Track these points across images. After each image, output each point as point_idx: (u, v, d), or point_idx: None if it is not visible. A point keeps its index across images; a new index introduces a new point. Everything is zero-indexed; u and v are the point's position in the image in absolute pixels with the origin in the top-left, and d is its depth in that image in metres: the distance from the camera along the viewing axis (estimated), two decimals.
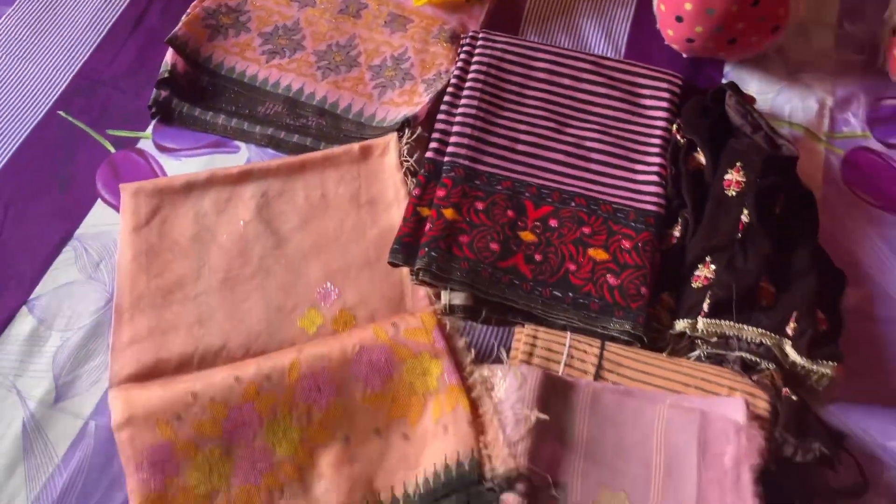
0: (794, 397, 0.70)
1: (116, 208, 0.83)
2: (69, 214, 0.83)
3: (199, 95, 0.90)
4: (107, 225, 0.82)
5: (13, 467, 0.69)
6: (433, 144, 0.83)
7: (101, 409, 0.72)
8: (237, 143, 0.88)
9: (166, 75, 0.89)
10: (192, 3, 0.95)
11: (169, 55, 0.90)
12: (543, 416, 0.65)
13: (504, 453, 0.64)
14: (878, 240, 0.83)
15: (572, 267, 0.77)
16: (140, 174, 0.85)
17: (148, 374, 0.72)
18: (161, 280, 0.77)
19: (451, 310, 0.75)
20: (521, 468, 0.63)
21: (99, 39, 0.96)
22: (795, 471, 0.67)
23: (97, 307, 0.77)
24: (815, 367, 0.70)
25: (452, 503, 0.64)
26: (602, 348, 0.73)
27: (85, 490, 0.68)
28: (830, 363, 0.69)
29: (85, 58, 0.94)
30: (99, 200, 0.84)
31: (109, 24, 0.97)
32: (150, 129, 0.89)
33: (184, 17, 0.93)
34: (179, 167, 0.86)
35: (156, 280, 0.77)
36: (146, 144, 0.88)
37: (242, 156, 0.87)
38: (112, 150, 0.87)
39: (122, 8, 0.99)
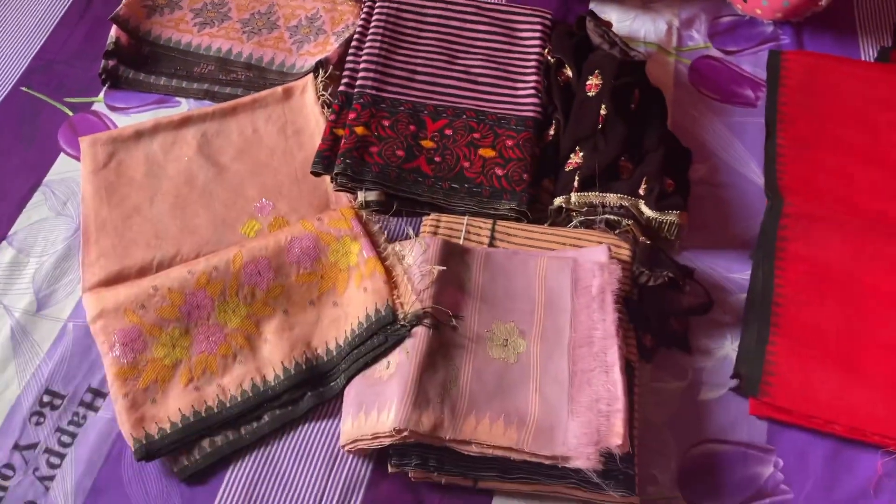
0: (648, 242, 0.86)
1: (77, 159, 0.96)
2: (37, 167, 0.96)
3: (142, 62, 1.05)
4: (70, 172, 0.96)
5: (5, 364, 0.81)
6: (344, 79, 0.98)
7: (77, 313, 0.85)
8: (178, 98, 1.03)
9: (112, 47, 1.04)
10: None
11: (113, 30, 1.05)
12: (442, 268, 0.80)
13: (412, 299, 0.79)
14: (720, 125, 0.99)
15: (466, 164, 0.92)
16: (96, 130, 0.99)
17: (114, 280, 0.85)
18: (120, 208, 0.91)
19: (366, 205, 0.90)
20: (427, 308, 0.78)
21: (52, 27, 1.10)
22: (652, 296, 0.82)
23: (67, 235, 0.90)
24: (663, 217, 0.85)
25: (374, 343, 0.78)
26: (494, 224, 0.88)
27: (68, 374, 0.81)
28: (674, 212, 0.85)
29: (41, 42, 1.09)
30: (62, 154, 0.98)
31: (60, 14, 1.12)
32: (101, 94, 1.03)
33: (123, 1, 1.07)
34: (129, 122, 1.00)
35: (116, 209, 0.91)
36: (99, 107, 1.02)
37: (183, 108, 1.02)
38: (70, 113, 1.01)
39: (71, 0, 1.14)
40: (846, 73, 1.00)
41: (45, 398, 0.79)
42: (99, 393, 0.80)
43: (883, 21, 1.08)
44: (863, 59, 1.05)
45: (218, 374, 0.79)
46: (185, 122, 0.98)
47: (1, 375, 0.81)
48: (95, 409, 0.79)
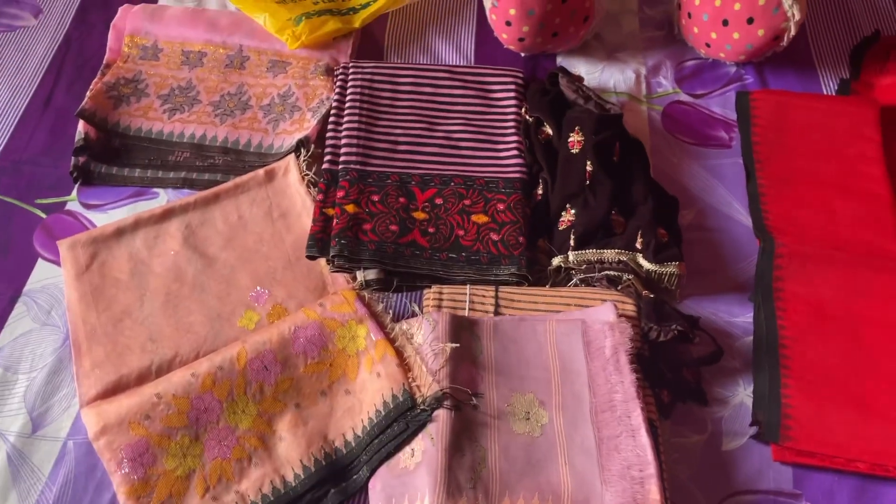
0: (652, 296, 0.86)
1: (57, 263, 0.92)
2: (14, 276, 0.92)
3: (114, 155, 1.02)
4: (50, 278, 0.92)
5: (5, 493, 0.77)
6: (327, 157, 0.97)
7: (76, 429, 0.81)
8: (155, 189, 1.00)
9: (81, 143, 1.01)
10: (94, 81, 1.07)
11: (81, 125, 1.02)
12: (455, 345, 0.79)
13: (429, 381, 0.78)
14: (700, 169, 1.02)
15: (461, 232, 0.92)
16: (73, 231, 0.95)
17: (112, 391, 0.82)
18: (109, 312, 0.87)
19: (367, 285, 0.89)
20: (446, 388, 0.77)
21: (14, 124, 1.06)
22: (662, 350, 0.83)
23: (55, 347, 0.87)
24: (662, 269, 0.86)
25: (395, 431, 0.77)
26: (497, 291, 0.88)
27: (75, 497, 0.76)
28: (674, 263, 0.86)
29: (4, 142, 1.05)
30: (39, 260, 0.94)
31: (22, 109, 1.08)
32: (74, 192, 1.00)
33: (88, 93, 1.04)
34: (106, 219, 0.97)
35: (104, 313, 0.87)
36: (73, 206, 0.99)
37: (162, 200, 0.99)
38: (43, 215, 0.98)
39: (32, 92, 1.10)
40: (812, 108, 1.03)
41: None
42: None
43: (838, 54, 1.13)
44: (824, 92, 1.09)
45: (235, 480, 0.76)
46: (167, 214, 0.95)
47: None
48: None
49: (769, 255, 0.89)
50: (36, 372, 0.85)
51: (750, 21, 1.01)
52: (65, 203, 0.99)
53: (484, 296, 0.87)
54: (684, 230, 0.94)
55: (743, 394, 0.83)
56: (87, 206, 0.99)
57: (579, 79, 1.05)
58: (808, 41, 1.14)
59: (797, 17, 0.99)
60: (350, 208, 0.92)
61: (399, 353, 0.81)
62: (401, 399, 0.78)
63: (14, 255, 0.94)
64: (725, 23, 1.03)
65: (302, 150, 0.99)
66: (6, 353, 0.86)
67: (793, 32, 1.01)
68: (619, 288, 0.88)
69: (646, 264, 0.87)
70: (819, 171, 0.98)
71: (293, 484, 0.76)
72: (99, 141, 1.02)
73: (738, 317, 0.89)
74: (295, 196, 0.97)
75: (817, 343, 0.83)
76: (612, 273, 0.88)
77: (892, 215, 0.93)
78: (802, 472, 0.78)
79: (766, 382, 0.81)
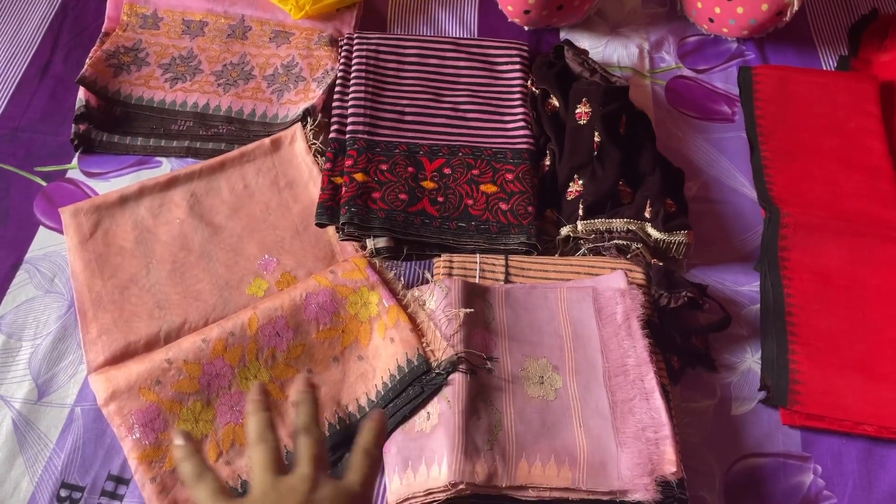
0: (661, 264, 0.87)
1: (59, 231, 0.91)
2: (15, 244, 0.90)
3: (116, 123, 1.00)
4: (53, 246, 0.90)
5: (12, 460, 0.75)
6: (334, 126, 0.97)
7: (83, 396, 0.79)
8: (158, 158, 0.99)
9: (82, 110, 0.99)
10: (93, 49, 1.05)
11: (82, 92, 1.00)
12: (469, 310, 0.79)
13: (444, 345, 0.78)
14: (703, 143, 1.03)
15: (470, 202, 0.92)
16: (74, 199, 0.93)
17: (121, 357, 0.80)
18: (115, 280, 0.86)
19: (377, 253, 0.89)
20: (460, 352, 0.77)
21: (11, 91, 1.04)
22: (672, 316, 0.84)
23: (60, 314, 0.85)
24: (671, 238, 0.87)
25: (410, 396, 0.77)
26: (507, 259, 0.88)
27: (84, 463, 0.75)
28: (682, 232, 0.87)
29: (1, 109, 1.02)
30: (41, 227, 0.92)
31: (19, 76, 1.06)
32: (75, 160, 0.98)
33: (87, 61, 1.02)
34: (109, 187, 0.95)
35: (110, 281, 0.86)
36: (75, 174, 0.97)
37: (165, 168, 0.98)
38: (44, 183, 0.96)
39: (28, 60, 1.07)
40: (813, 83, 1.05)
41: (63, 493, 0.74)
42: (121, 480, 0.75)
43: (837, 31, 1.14)
44: (824, 68, 1.10)
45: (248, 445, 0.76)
46: (171, 182, 0.94)
47: (9, 473, 0.75)
48: (119, 498, 0.74)
49: (775, 224, 0.90)
50: (41, 339, 0.83)
51: None
52: (66, 171, 0.97)
53: (494, 264, 0.88)
54: (690, 202, 0.95)
55: (751, 360, 0.84)
56: (89, 175, 0.97)
57: (584, 52, 1.05)
58: (807, 19, 1.16)
59: None
60: (359, 177, 0.91)
61: (412, 319, 0.81)
62: (416, 363, 0.77)
63: (14, 222, 0.92)
64: None
65: (308, 120, 0.98)
66: (9, 320, 0.84)
67: (796, 7, 1.02)
68: (628, 257, 0.88)
69: (655, 233, 0.88)
70: (821, 144, 0.99)
71: None
72: (100, 109, 1.01)
73: (744, 286, 0.90)
74: (301, 165, 0.96)
75: (823, 310, 0.85)
76: (620, 242, 0.89)
77: (893, 187, 0.95)
78: (811, 435, 0.79)
79: (773, 348, 0.83)
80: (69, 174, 0.97)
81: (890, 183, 0.95)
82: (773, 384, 0.80)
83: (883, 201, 0.94)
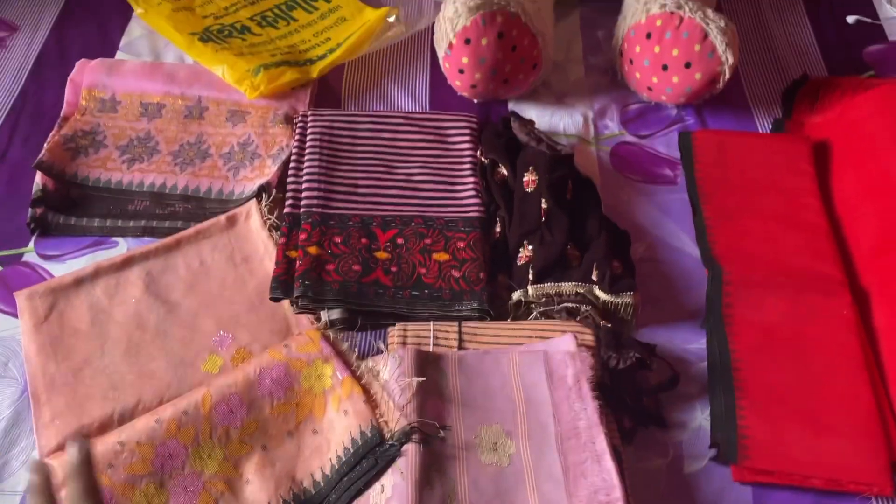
0: (609, 325, 0.89)
1: (14, 315, 0.91)
2: None
3: (72, 206, 1.02)
4: (7, 330, 0.91)
5: None
6: (288, 201, 0.99)
7: None
8: (114, 238, 1.00)
9: (39, 194, 1.00)
10: (51, 133, 1.08)
11: (38, 177, 1.01)
12: (422, 379, 0.80)
13: (397, 416, 0.78)
14: (648, 205, 1.06)
15: (423, 270, 0.94)
16: (30, 282, 0.94)
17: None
18: (69, 362, 0.86)
19: (331, 324, 0.90)
20: (413, 423, 0.77)
21: None
22: (622, 377, 0.85)
23: (13, 399, 0.85)
24: (618, 299, 0.90)
25: (364, 469, 0.77)
26: (460, 326, 0.90)
27: None
28: (628, 293, 0.90)
29: None
30: None
31: None
32: (31, 243, 0.99)
33: (45, 146, 1.05)
34: (65, 269, 0.96)
35: (64, 363, 0.86)
36: (31, 257, 0.98)
37: (122, 248, 0.99)
38: (0, 268, 0.96)
39: None
40: (750, 145, 1.09)
41: None
42: None
43: (771, 95, 1.20)
44: (760, 130, 1.16)
45: None
46: (127, 262, 0.95)
47: None
48: None
49: (717, 282, 0.93)
50: None
51: (687, 65, 1.07)
52: (22, 255, 0.98)
53: (447, 331, 0.89)
54: (637, 263, 0.98)
55: (701, 417, 0.86)
56: (45, 257, 0.98)
57: (531, 122, 1.09)
58: (742, 85, 1.22)
59: (731, 60, 1.06)
60: (313, 250, 0.93)
61: (366, 390, 0.82)
62: (369, 435, 0.78)
63: None
64: (665, 68, 1.09)
65: (263, 196, 1.01)
66: None
67: (727, 75, 1.08)
68: (577, 319, 0.91)
69: (602, 295, 0.90)
70: (760, 203, 1.03)
71: None
72: (57, 192, 1.02)
73: (692, 343, 0.92)
74: (257, 241, 0.98)
75: (768, 364, 0.87)
76: (570, 305, 0.91)
77: (830, 243, 0.98)
78: (762, 490, 0.80)
79: (721, 405, 0.84)
80: (25, 257, 0.98)
81: (826, 239, 0.99)
82: (723, 440, 0.82)
83: (821, 257, 0.97)
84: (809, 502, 0.79)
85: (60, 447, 0.79)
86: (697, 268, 0.99)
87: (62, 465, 0.75)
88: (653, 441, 0.84)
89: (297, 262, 0.92)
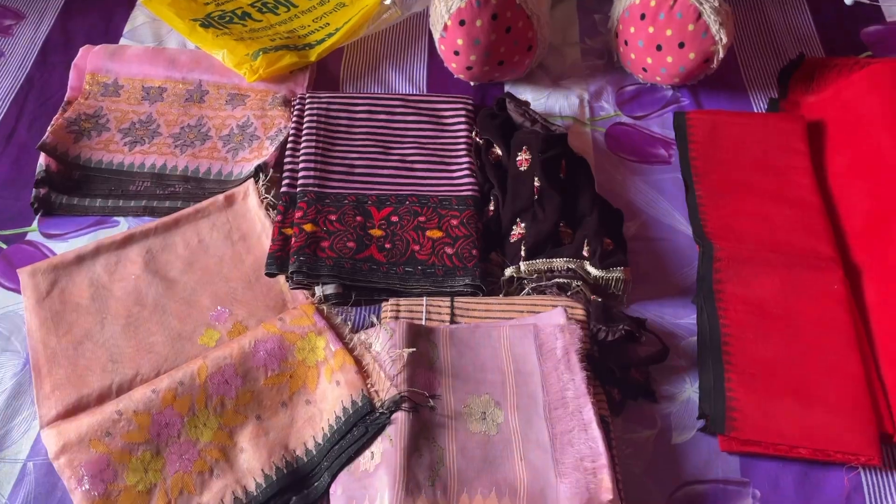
0: (599, 300, 0.90)
1: (17, 291, 0.93)
2: None
3: (74, 187, 1.04)
4: (10, 306, 0.93)
5: None
6: (285, 181, 1.01)
7: (36, 451, 0.81)
8: (116, 218, 1.02)
9: (42, 175, 1.03)
10: (55, 117, 1.10)
11: (42, 158, 1.04)
12: (412, 350, 0.82)
13: (387, 385, 0.80)
14: (642, 184, 1.07)
15: (416, 247, 0.96)
16: (33, 260, 0.96)
17: (73, 411, 0.82)
18: (70, 336, 0.88)
19: (325, 299, 0.92)
20: (403, 392, 0.79)
21: None
22: (611, 350, 0.86)
23: (15, 371, 0.87)
24: (608, 275, 0.91)
25: (355, 436, 0.78)
26: (452, 301, 0.91)
27: None
28: (619, 268, 0.91)
29: None
30: (0, 288, 0.95)
31: None
32: (35, 223, 1.01)
33: (49, 128, 1.07)
34: (67, 248, 0.98)
35: (65, 337, 0.88)
36: (34, 236, 1.00)
37: (123, 228, 1.01)
38: (4, 246, 0.99)
39: None
40: (744, 125, 1.10)
41: None
42: None
43: (766, 76, 1.20)
44: (755, 110, 1.16)
45: (196, 492, 0.77)
46: (127, 240, 0.97)
47: None
48: None
49: (708, 258, 0.94)
50: None
51: (681, 45, 1.08)
52: (25, 234, 1.00)
53: (440, 306, 0.90)
54: (629, 240, 0.99)
55: (690, 390, 0.86)
56: (48, 236, 1.00)
57: (526, 103, 1.10)
58: (738, 65, 1.22)
59: (724, 40, 1.06)
60: (308, 227, 0.95)
61: (358, 362, 0.83)
62: (360, 404, 0.79)
63: None
64: (659, 48, 1.10)
65: (261, 175, 1.02)
66: None
67: (721, 55, 1.08)
68: (568, 294, 0.92)
69: (593, 271, 0.91)
70: (753, 181, 1.04)
71: (255, 493, 0.77)
72: (60, 173, 1.05)
73: (682, 318, 0.93)
74: (254, 219, 1.00)
75: (757, 339, 0.88)
76: (561, 281, 0.92)
77: (823, 220, 0.99)
78: (749, 460, 0.81)
79: (710, 378, 0.85)
80: (29, 236, 1.00)
81: (819, 216, 0.99)
82: (711, 412, 0.82)
83: (813, 233, 0.97)
84: (796, 472, 0.80)
85: (60, 417, 0.81)
86: (690, 245, 1.00)
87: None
88: (641, 413, 0.85)
89: (293, 239, 0.94)
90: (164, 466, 0.78)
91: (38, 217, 1.02)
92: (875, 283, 0.92)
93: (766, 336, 0.88)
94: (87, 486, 0.75)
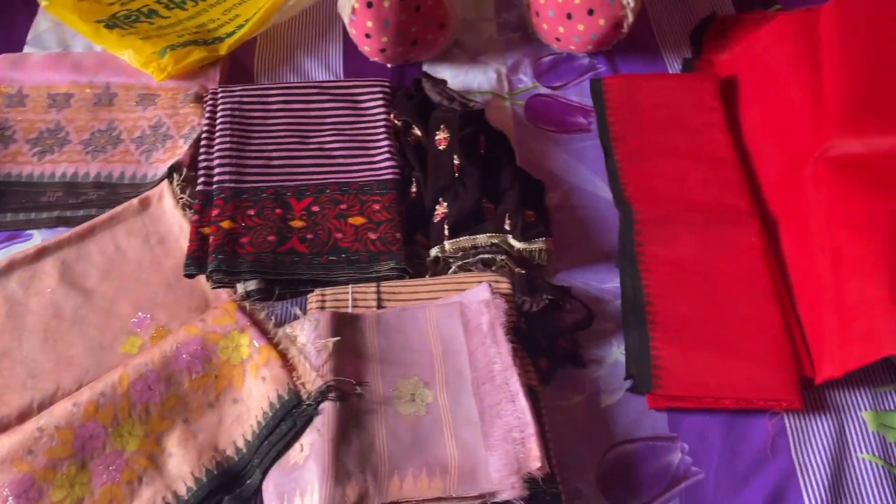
0: (523, 272, 0.91)
1: None
2: None
3: None
4: None
5: None
6: (200, 179, 0.99)
7: None
8: (29, 231, 0.99)
9: None
10: None
11: None
12: (336, 339, 0.81)
13: (313, 377, 0.79)
14: (563, 153, 1.08)
15: (339, 235, 0.95)
16: None
17: None
18: None
19: (248, 296, 0.90)
20: (329, 381, 0.78)
21: None
22: (538, 320, 0.87)
23: None
24: (530, 246, 0.91)
25: (283, 431, 0.77)
26: (378, 286, 0.91)
27: None
28: (541, 239, 0.91)
29: None
30: None
31: None
32: None
33: None
34: None
35: None
36: None
37: (36, 240, 0.98)
38: None
39: None
40: (659, 87, 1.11)
41: None
42: None
43: (679, 36, 1.22)
44: (670, 72, 1.17)
45: (126, 502, 0.76)
46: (41, 253, 0.94)
47: None
48: None
49: (628, 221, 0.95)
50: None
51: (590, 12, 1.08)
52: None
53: (366, 293, 0.90)
54: (553, 210, 0.99)
55: (616, 352, 0.87)
56: None
57: (443, 82, 1.10)
58: (651, 27, 1.23)
59: (632, 4, 1.07)
60: (226, 224, 0.93)
61: (283, 356, 0.82)
62: (286, 398, 0.79)
63: None
64: (569, 16, 1.10)
65: (175, 175, 1.00)
66: None
67: (630, 19, 1.09)
68: (493, 269, 0.92)
69: (515, 243, 0.91)
70: (670, 142, 1.05)
71: (186, 497, 0.76)
72: None
73: (607, 283, 0.94)
74: (171, 221, 0.98)
75: (679, 297, 0.89)
76: (486, 256, 0.92)
77: (738, 174, 1.01)
78: (676, 416, 0.82)
79: (636, 339, 0.86)
80: None
81: (735, 170, 1.01)
82: (637, 372, 0.84)
83: (729, 188, 0.99)
84: (721, 423, 0.81)
85: None
86: (612, 211, 1.00)
87: None
88: (571, 379, 0.86)
89: (211, 238, 0.92)
90: (91, 479, 0.76)
91: None
92: (790, 232, 0.95)
93: (687, 293, 0.89)
94: None
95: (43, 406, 0.82)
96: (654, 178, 1.01)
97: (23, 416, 0.81)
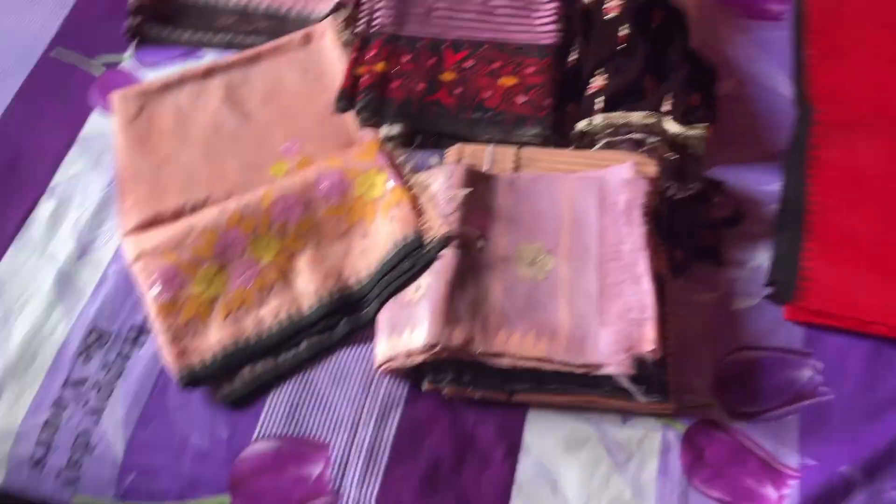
0: (674, 157, 0.85)
1: (108, 115, 0.99)
2: (71, 125, 0.99)
3: (166, 18, 1.07)
4: (102, 127, 0.99)
5: (52, 307, 0.84)
6: (362, 20, 0.99)
7: (117, 258, 0.87)
8: (202, 51, 1.05)
9: (136, 4, 1.06)
10: None
11: None
12: (468, 190, 0.81)
13: (439, 223, 0.79)
14: (746, 41, 0.97)
15: (487, 94, 0.92)
16: (125, 86, 1.00)
17: (150, 224, 0.87)
18: (153, 158, 0.93)
19: (390, 139, 0.91)
20: (454, 230, 0.78)
21: None
22: (680, 209, 0.81)
23: (103, 186, 0.93)
24: (688, 131, 0.84)
25: (403, 268, 0.79)
26: (518, 150, 0.88)
27: (113, 313, 0.83)
28: (701, 125, 0.84)
29: (68, 10, 1.12)
30: (94, 112, 1.00)
31: None
32: (128, 51, 1.06)
33: None
34: (156, 76, 1.02)
35: (148, 158, 0.93)
36: (127, 64, 1.04)
37: (208, 60, 1.03)
38: (100, 72, 1.04)
39: None
40: None
41: (92, 337, 0.82)
42: (142, 330, 0.82)
43: None
44: None
45: (255, 306, 0.81)
46: (209, 72, 0.99)
47: (48, 318, 0.84)
48: (140, 345, 0.81)
49: (806, 120, 0.86)
50: (85, 207, 0.92)
51: None
52: (119, 61, 1.05)
53: (505, 154, 0.88)
54: (722, 99, 0.91)
55: (762, 258, 0.81)
56: (140, 64, 1.04)
57: None
58: None
59: None
60: (379, 66, 0.94)
61: (414, 200, 0.83)
62: (411, 239, 0.80)
63: (72, 106, 1.01)
64: None
65: (339, 13, 1.01)
66: (61, 189, 0.93)
67: None
68: (642, 150, 0.86)
69: (672, 127, 0.85)
70: (877, 44, 0.92)
71: (307, 313, 0.81)
72: (154, 4, 1.07)
73: (766, 185, 0.86)
74: (331, 57, 1.00)
75: (848, 209, 0.80)
76: (636, 136, 0.87)
77: None
78: (815, 332, 0.76)
79: (786, 244, 0.79)
80: (123, 64, 1.05)
81: None
82: (780, 279, 0.77)
83: None
84: (866, 350, 0.74)
85: (139, 228, 0.87)
86: (787, 111, 0.91)
87: None
88: (706, 276, 0.80)
89: (364, 77, 0.93)
90: (227, 281, 0.82)
91: (131, 46, 1.06)
92: None
93: (858, 206, 0.80)
94: (158, 290, 0.81)
95: (195, 209, 0.88)
96: (849, 79, 0.89)
97: (177, 215, 0.88)
